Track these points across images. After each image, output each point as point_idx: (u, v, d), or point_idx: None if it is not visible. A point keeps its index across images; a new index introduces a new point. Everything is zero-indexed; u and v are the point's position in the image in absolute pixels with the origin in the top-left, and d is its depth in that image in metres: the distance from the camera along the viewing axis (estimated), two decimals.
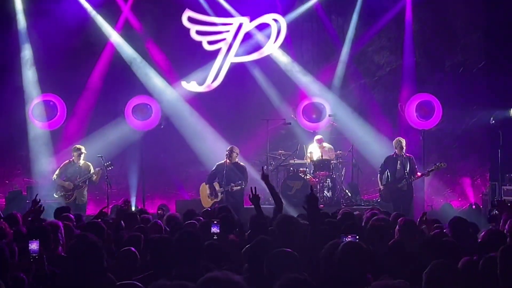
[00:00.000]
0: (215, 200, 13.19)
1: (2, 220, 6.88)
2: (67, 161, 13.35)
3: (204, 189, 13.53)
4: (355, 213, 8.86)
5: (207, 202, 13.13)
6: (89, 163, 13.35)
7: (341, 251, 4.54)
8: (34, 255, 5.13)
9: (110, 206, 14.06)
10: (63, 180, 13.07)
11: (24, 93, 15.38)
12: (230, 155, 13.33)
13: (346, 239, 5.32)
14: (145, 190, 15.10)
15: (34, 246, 5.16)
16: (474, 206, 15.01)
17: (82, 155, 13.24)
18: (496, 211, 8.98)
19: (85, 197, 13.27)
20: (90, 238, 5.26)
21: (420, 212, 8.94)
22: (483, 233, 6.74)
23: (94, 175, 13.15)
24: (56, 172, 13.28)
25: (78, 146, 13.45)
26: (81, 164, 13.20)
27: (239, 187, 13.18)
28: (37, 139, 15.18)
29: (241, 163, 13.53)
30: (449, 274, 4.09)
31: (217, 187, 13.32)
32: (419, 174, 13.25)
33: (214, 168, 13.59)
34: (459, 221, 6.89)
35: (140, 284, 3.87)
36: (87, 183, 13.25)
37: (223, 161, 13.44)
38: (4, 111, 15.50)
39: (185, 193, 16.06)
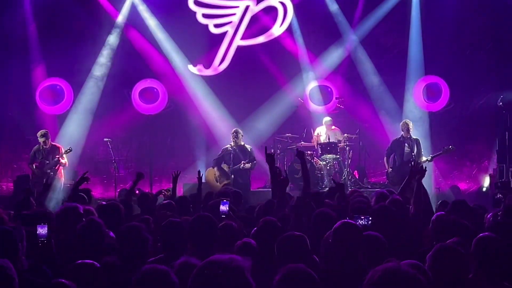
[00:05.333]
0: (226, 182, 13.19)
1: None
2: (36, 146, 13.13)
3: (211, 173, 13.57)
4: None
5: (215, 186, 12.97)
6: (58, 146, 13.17)
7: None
8: (42, 239, 5.17)
9: (118, 190, 14.15)
10: (35, 165, 12.94)
11: (31, 77, 15.42)
12: (236, 137, 13.41)
13: (359, 220, 5.38)
14: (152, 174, 15.15)
15: (42, 230, 5.19)
16: (484, 189, 14.99)
17: (48, 140, 13.02)
18: (500, 195, 9.00)
19: (59, 181, 12.90)
20: (96, 221, 5.36)
21: (428, 195, 8.87)
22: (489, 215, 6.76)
23: (60, 158, 12.89)
24: (29, 160, 13.16)
25: (42, 131, 13.18)
26: (48, 147, 13.00)
27: (249, 164, 13.24)
28: (45, 124, 15.20)
29: (246, 145, 13.60)
30: (453, 257, 4.10)
31: (226, 168, 13.40)
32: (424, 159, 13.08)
33: (220, 152, 13.68)
34: (460, 203, 6.89)
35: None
36: (56, 167, 12.92)
37: (228, 145, 13.53)
38: (12, 95, 15.53)
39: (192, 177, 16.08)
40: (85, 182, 7.96)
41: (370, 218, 5.58)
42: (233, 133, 13.55)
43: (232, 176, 13.32)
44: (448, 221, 5.66)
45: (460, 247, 4.34)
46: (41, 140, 13.02)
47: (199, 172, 9.29)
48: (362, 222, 5.44)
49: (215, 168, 13.55)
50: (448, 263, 4.05)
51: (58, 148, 13.13)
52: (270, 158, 7.09)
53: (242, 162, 13.27)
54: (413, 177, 7.39)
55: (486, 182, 15.12)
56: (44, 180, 12.33)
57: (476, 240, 4.50)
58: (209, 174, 13.60)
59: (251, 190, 13.65)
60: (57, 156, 12.86)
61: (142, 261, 4.61)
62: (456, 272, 4.10)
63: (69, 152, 12.97)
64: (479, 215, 7.07)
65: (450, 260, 4.07)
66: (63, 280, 4.00)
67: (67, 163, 13.10)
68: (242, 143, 13.53)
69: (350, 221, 5.12)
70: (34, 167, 12.98)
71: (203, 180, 11.84)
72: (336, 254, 4.59)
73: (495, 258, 4.36)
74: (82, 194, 8.02)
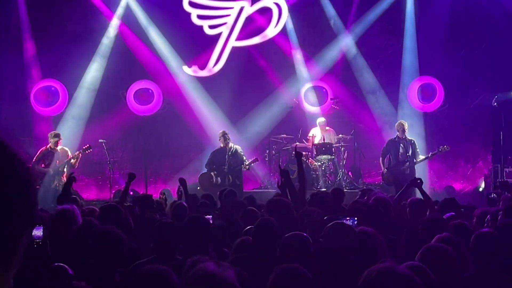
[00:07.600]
0: (226, 183, 12.94)
1: None
2: (44, 147, 13.02)
3: (207, 177, 13.36)
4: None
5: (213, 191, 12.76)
6: (66, 148, 13.11)
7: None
8: (38, 240, 5.17)
9: (113, 191, 14.12)
10: (41, 167, 12.84)
11: (26, 78, 15.39)
12: (228, 138, 13.31)
13: (345, 221, 5.39)
14: (147, 174, 15.13)
15: (38, 232, 5.19)
16: (480, 189, 15.02)
17: (60, 141, 12.96)
18: (494, 195, 9.02)
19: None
20: (94, 223, 5.35)
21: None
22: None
23: (73, 159, 12.85)
24: (34, 160, 12.97)
25: (55, 132, 13.19)
26: (58, 150, 12.90)
27: (251, 163, 13.19)
28: (39, 125, 15.17)
29: (236, 146, 13.52)
30: (441, 257, 4.11)
31: (225, 171, 13.21)
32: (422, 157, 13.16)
33: (210, 156, 13.53)
34: (448, 201, 6.92)
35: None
36: (65, 168, 12.85)
37: (218, 148, 13.42)
38: (6, 96, 15.49)
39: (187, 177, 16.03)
40: (73, 182, 8.00)
41: (356, 219, 5.59)
42: (224, 135, 13.38)
43: (231, 178, 13.18)
44: (435, 221, 5.68)
45: (449, 245, 4.34)
46: (53, 140, 12.85)
47: (179, 187, 9.22)
48: (348, 223, 5.43)
49: (211, 173, 13.36)
50: (436, 263, 4.05)
51: (66, 151, 13.07)
52: (285, 174, 7.27)
53: (245, 162, 13.15)
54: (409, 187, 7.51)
55: (483, 182, 15.17)
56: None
57: (475, 236, 4.49)
58: (204, 179, 13.37)
59: (244, 191, 13.54)
60: (69, 157, 12.79)
61: (119, 263, 4.61)
62: (445, 272, 4.10)
63: (87, 150, 12.95)
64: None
65: (438, 260, 4.07)
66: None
67: (76, 162, 12.97)
68: (231, 145, 13.44)
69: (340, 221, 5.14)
70: (40, 168, 12.80)
71: (198, 187, 11.81)
72: (329, 254, 4.59)
73: (495, 254, 4.35)
74: (74, 196, 8.04)
